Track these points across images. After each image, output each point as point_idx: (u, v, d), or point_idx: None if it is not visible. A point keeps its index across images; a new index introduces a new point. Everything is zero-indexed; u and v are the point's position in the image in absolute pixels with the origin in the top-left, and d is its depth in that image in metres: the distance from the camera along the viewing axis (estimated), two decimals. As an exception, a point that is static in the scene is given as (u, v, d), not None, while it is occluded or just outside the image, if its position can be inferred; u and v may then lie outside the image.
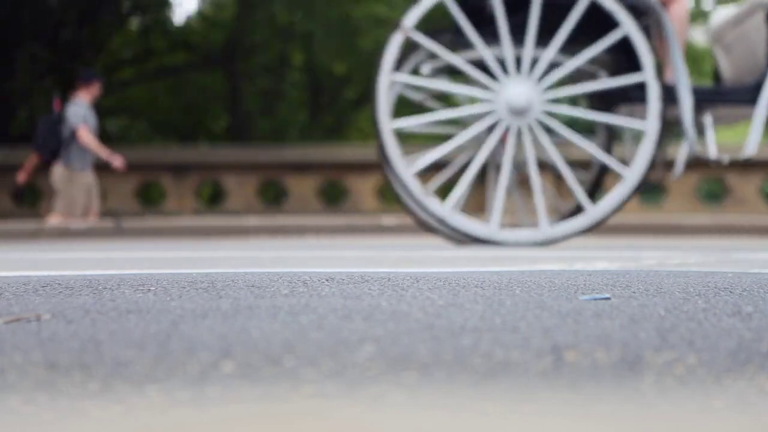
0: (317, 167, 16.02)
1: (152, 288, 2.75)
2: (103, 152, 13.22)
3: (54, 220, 13.10)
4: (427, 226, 6.78)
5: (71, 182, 13.14)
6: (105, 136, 23.68)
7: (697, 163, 15.62)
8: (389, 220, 12.79)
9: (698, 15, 21.47)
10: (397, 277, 3.02)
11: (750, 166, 15.42)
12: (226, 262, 5.13)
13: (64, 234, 12.05)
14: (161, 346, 1.88)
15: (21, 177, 14.19)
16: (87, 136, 13.09)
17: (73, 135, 13.09)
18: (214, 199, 17.77)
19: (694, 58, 22.23)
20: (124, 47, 22.31)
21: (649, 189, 17.86)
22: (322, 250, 6.84)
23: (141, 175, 16.12)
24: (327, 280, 2.92)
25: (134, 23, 22.45)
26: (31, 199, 16.73)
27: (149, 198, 17.25)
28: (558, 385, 1.69)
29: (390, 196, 17.21)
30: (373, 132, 27.15)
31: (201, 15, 23.56)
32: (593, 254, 6.02)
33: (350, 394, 1.64)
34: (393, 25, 7.08)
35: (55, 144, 13.18)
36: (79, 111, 13.11)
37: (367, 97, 23.97)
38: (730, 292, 2.67)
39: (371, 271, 3.52)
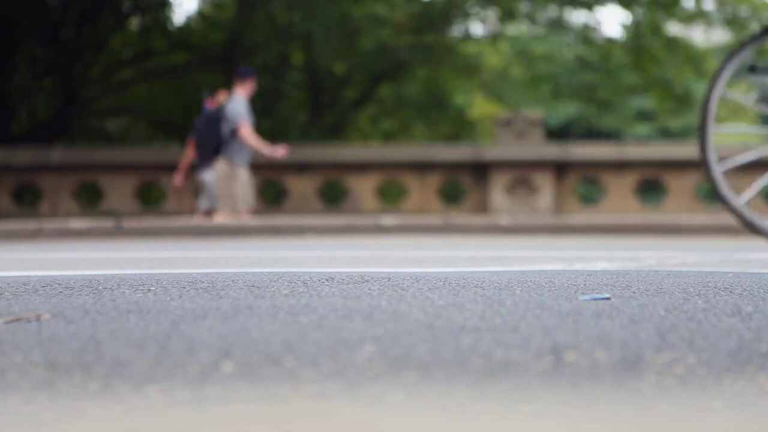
0: (317, 167, 16.02)
1: (152, 288, 2.75)
2: (265, 148, 13.28)
3: (220, 218, 13.06)
4: (753, 228, 6.71)
5: (233, 178, 13.16)
6: (105, 136, 23.70)
7: (697, 163, 15.62)
8: (389, 220, 12.79)
9: (699, 15, 21.46)
10: (397, 277, 3.02)
11: (750, 167, 15.42)
12: (226, 262, 5.13)
13: (64, 234, 12.05)
14: (161, 346, 1.88)
15: (177, 179, 14.13)
16: (249, 132, 13.08)
17: (234, 131, 13.07)
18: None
19: (694, 58, 22.22)
20: (124, 47, 22.31)
21: (648, 189, 17.88)
22: (322, 250, 6.84)
23: (141, 175, 16.12)
24: (327, 280, 2.92)
25: (134, 23, 22.45)
26: (31, 199, 16.73)
27: (149, 198, 17.25)
28: (558, 385, 1.69)
29: (390, 196, 17.21)
30: (373, 132, 27.05)
31: (201, 15, 23.56)
32: (593, 254, 6.02)
33: (350, 394, 1.64)
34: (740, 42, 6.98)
35: (215, 141, 13.19)
36: (239, 108, 13.11)
37: (367, 97, 23.97)
38: (730, 292, 2.67)
39: (371, 271, 3.52)
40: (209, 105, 13.62)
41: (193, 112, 23.74)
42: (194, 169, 13.86)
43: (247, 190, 13.33)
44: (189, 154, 13.87)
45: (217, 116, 13.27)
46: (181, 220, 13.68)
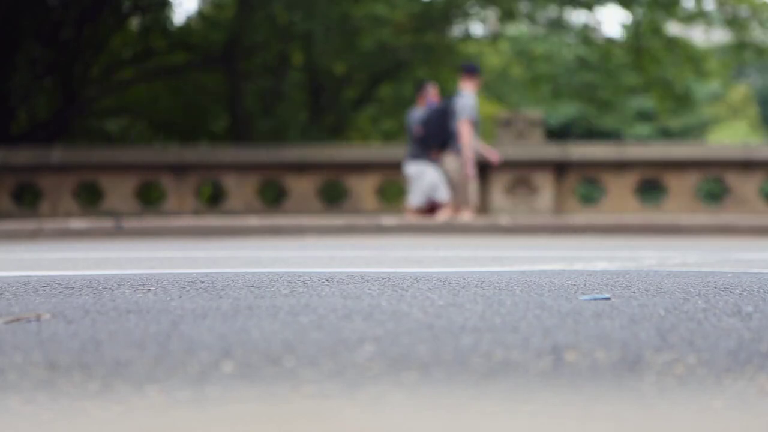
0: (317, 167, 16.01)
1: (152, 288, 2.75)
2: (483, 148, 13.24)
3: (444, 215, 12.99)
4: None
5: (462, 173, 13.10)
6: (105, 136, 23.69)
7: (696, 163, 15.63)
8: (389, 220, 12.79)
9: (699, 15, 21.44)
10: (397, 277, 3.02)
11: (750, 166, 15.43)
12: (226, 262, 5.13)
13: (64, 234, 12.05)
14: (161, 346, 1.88)
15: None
16: (467, 130, 13.02)
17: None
18: (214, 199, 17.77)
19: (694, 58, 22.22)
20: (124, 47, 22.29)
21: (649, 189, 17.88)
22: (322, 250, 6.84)
23: (141, 175, 16.12)
24: (327, 280, 2.92)
25: (134, 23, 22.44)
26: (31, 199, 16.73)
27: (149, 198, 17.24)
28: (558, 385, 1.69)
29: (390, 196, 17.20)
30: (373, 132, 27.00)
31: (201, 15, 23.54)
32: (593, 254, 6.01)
33: (350, 394, 1.64)
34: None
35: (443, 135, 13.14)
36: (468, 103, 13.07)
37: (367, 97, 23.97)
38: (730, 292, 2.67)
39: (371, 271, 3.52)
40: (431, 99, 13.59)
41: (193, 112, 23.78)
42: (405, 162, 13.64)
43: (473, 188, 13.25)
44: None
45: (445, 110, 13.19)
46: (181, 220, 13.67)
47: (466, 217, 13.03)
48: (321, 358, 1.80)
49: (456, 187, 13.24)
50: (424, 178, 13.25)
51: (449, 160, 13.18)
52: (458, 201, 13.22)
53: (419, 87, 14.20)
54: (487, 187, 15.62)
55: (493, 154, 13.46)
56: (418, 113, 13.78)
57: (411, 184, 13.51)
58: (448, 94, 13.54)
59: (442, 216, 12.98)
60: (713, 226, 12.10)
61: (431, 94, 13.80)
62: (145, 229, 12.38)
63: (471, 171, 13.09)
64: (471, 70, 13.53)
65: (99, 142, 22.19)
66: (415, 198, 13.38)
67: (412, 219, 12.94)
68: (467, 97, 13.19)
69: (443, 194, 13.12)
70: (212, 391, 1.66)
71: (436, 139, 13.23)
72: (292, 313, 2.23)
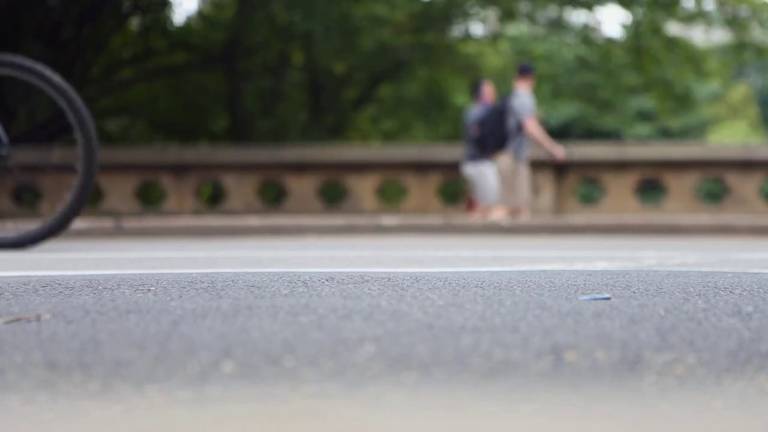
0: (317, 167, 16.02)
1: (152, 288, 2.75)
2: (547, 144, 13.22)
3: (498, 214, 12.97)
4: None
5: (516, 174, 13.09)
6: (105, 136, 23.69)
7: (696, 163, 15.63)
8: (389, 220, 12.79)
9: (698, 15, 21.45)
10: (397, 277, 3.02)
11: (750, 166, 15.43)
12: (226, 262, 5.13)
13: (64, 234, 12.04)
14: (161, 346, 1.88)
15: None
16: (534, 126, 13.03)
17: (520, 125, 13.00)
18: (214, 199, 17.77)
19: (694, 58, 22.21)
20: (124, 47, 22.29)
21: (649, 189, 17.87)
22: (322, 250, 6.84)
23: (141, 175, 16.12)
24: (327, 280, 2.92)
25: (134, 23, 22.44)
26: (31, 199, 16.72)
27: (149, 198, 17.25)
28: (558, 385, 1.69)
29: (390, 196, 17.20)
30: (373, 132, 27.03)
31: (201, 15, 23.55)
32: (593, 254, 6.02)
33: (350, 394, 1.64)
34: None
35: (500, 135, 13.14)
36: (527, 102, 13.07)
37: (367, 97, 23.97)
38: (730, 292, 2.67)
39: (371, 271, 3.52)
40: (487, 98, 13.59)
41: (193, 112, 23.78)
42: (464, 162, 13.62)
43: (527, 187, 13.25)
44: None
45: (503, 110, 13.19)
46: (181, 220, 13.67)
47: (525, 217, 13.05)
48: (321, 358, 1.80)
49: (512, 187, 13.24)
50: (486, 178, 13.28)
51: (504, 159, 13.18)
52: (517, 201, 13.22)
53: (476, 86, 14.15)
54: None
55: (559, 152, 13.47)
56: (474, 113, 13.74)
57: (473, 184, 13.52)
58: (502, 95, 13.56)
59: (495, 215, 12.99)
60: (713, 226, 12.10)
61: (487, 93, 13.77)
62: (145, 229, 12.39)
63: (560, 154, 13.16)
64: (526, 69, 13.57)
65: (99, 142, 22.18)
66: (483, 197, 13.43)
67: (479, 218, 12.95)
68: (524, 96, 13.21)
69: (496, 195, 13.17)
70: (212, 391, 1.67)
71: (493, 138, 13.23)
72: (292, 313, 2.23)
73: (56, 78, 6.51)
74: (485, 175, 13.21)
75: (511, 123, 13.01)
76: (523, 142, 13.16)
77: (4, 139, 6.49)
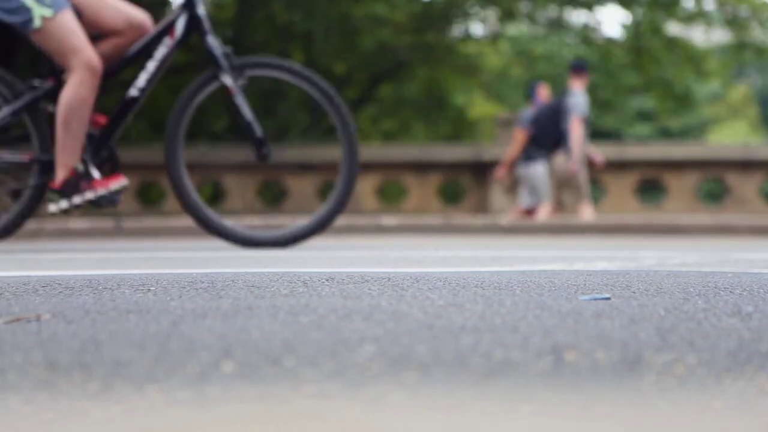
0: (317, 167, 16.01)
1: (152, 288, 2.75)
2: (585, 149, 13.15)
3: (544, 214, 12.92)
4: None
5: (569, 170, 13.03)
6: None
7: (696, 163, 15.62)
8: (389, 220, 12.79)
9: (698, 15, 21.45)
10: (397, 277, 3.02)
11: (750, 166, 15.43)
12: (226, 262, 5.13)
13: (64, 234, 12.05)
14: (161, 346, 1.88)
15: (501, 172, 13.75)
16: (578, 129, 12.95)
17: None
18: (214, 199, 17.77)
19: (694, 58, 22.21)
20: (124, 47, 22.27)
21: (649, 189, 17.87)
22: (322, 250, 6.84)
23: (141, 175, 16.11)
24: (327, 280, 2.92)
25: (134, 23, 22.43)
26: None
27: (149, 198, 17.24)
28: (558, 385, 1.69)
29: (390, 196, 17.20)
30: (373, 132, 27.03)
31: (201, 15, 23.54)
32: (593, 254, 6.02)
33: (350, 394, 1.64)
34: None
35: (555, 134, 13.08)
36: (580, 101, 12.99)
37: (367, 97, 23.97)
38: (730, 292, 2.67)
39: (371, 271, 3.52)
40: (542, 99, 13.55)
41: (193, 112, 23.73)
42: (518, 163, 13.56)
43: (584, 187, 13.20)
44: (516, 147, 13.51)
45: (558, 109, 13.13)
46: (181, 220, 13.67)
47: (587, 215, 13.01)
48: (321, 358, 1.80)
49: (567, 186, 13.21)
50: (537, 179, 13.25)
51: (559, 159, 13.15)
52: (576, 200, 13.18)
53: (531, 87, 14.13)
54: (487, 187, 15.62)
55: (599, 156, 13.45)
56: (528, 113, 13.69)
57: (522, 184, 13.49)
58: (559, 93, 13.54)
59: (541, 215, 12.97)
60: (713, 226, 12.10)
61: (542, 94, 13.75)
62: (145, 229, 12.38)
63: (575, 167, 13.10)
64: (580, 66, 13.51)
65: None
66: (525, 198, 13.40)
67: (512, 218, 12.94)
68: (578, 94, 13.15)
69: (546, 196, 13.15)
70: (212, 391, 1.67)
71: (548, 138, 13.19)
72: (292, 313, 2.23)
73: (323, 83, 6.71)
74: (538, 175, 13.18)
75: (566, 122, 12.96)
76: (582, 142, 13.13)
77: (260, 134, 6.68)
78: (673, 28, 22.85)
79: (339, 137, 6.71)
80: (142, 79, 6.69)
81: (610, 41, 23.29)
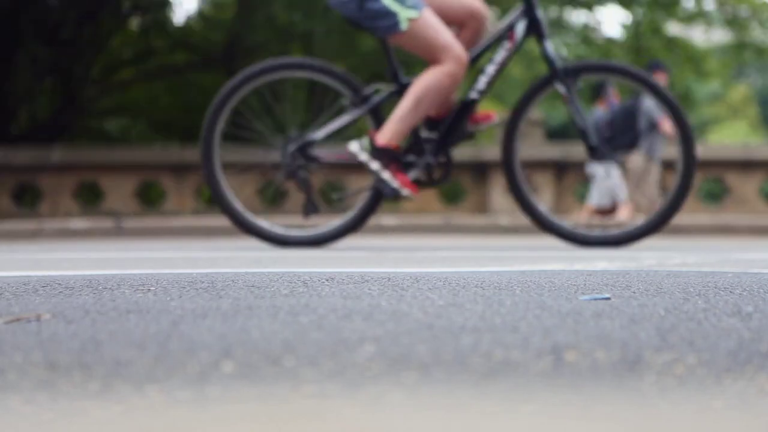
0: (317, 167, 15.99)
1: (152, 288, 2.75)
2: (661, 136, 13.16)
3: (623, 214, 12.87)
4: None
5: (647, 173, 13.00)
6: (105, 136, 23.68)
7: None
8: (389, 220, 12.78)
9: (698, 15, 21.45)
10: (397, 277, 3.02)
11: (750, 166, 15.42)
12: (226, 262, 5.13)
13: (64, 234, 12.05)
14: (161, 346, 1.88)
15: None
16: (670, 126, 12.95)
17: (653, 126, 12.90)
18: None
19: (694, 58, 22.22)
20: (124, 47, 22.28)
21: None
22: (322, 250, 6.84)
23: (141, 175, 16.11)
24: (327, 280, 2.92)
25: (134, 23, 22.44)
26: (31, 199, 16.72)
27: (149, 198, 17.24)
28: (558, 385, 1.69)
29: (390, 196, 17.18)
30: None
31: (201, 15, 23.54)
32: (593, 254, 6.02)
33: (350, 394, 1.64)
34: None
35: (631, 135, 13.02)
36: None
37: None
38: (730, 292, 2.67)
39: (371, 271, 3.52)
40: (614, 99, 13.53)
41: (193, 113, 23.73)
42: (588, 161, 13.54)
43: (655, 188, 13.18)
44: None
45: (633, 109, 13.11)
46: (181, 220, 13.67)
47: (625, 214, 12.99)
48: (321, 358, 1.80)
49: (644, 187, 13.16)
50: (612, 178, 13.20)
51: (635, 159, 13.11)
52: (647, 201, 13.15)
53: (599, 88, 14.11)
54: (487, 187, 15.62)
55: (667, 124, 13.47)
56: (598, 114, 13.66)
57: (594, 183, 13.44)
58: (634, 94, 13.52)
59: (622, 215, 12.93)
60: (713, 226, 12.09)
61: (613, 95, 13.75)
62: (145, 229, 12.38)
63: (670, 128, 13.10)
64: (657, 66, 13.49)
65: (99, 142, 22.18)
66: (596, 197, 13.35)
67: (584, 218, 12.89)
68: None
69: (623, 194, 13.12)
70: (212, 391, 1.67)
71: (625, 138, 13.15)
72: (292, 313, 2.23)
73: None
74: (611, 175, 13.15)
75: (641, 122, 12.96)
76: (656, 141, 13.10)
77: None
78: (673, 28, 22.86)
79: (678, 141, 6.87)
80: (481, 82, 6.61)
81: (610, 41, 23.29)
